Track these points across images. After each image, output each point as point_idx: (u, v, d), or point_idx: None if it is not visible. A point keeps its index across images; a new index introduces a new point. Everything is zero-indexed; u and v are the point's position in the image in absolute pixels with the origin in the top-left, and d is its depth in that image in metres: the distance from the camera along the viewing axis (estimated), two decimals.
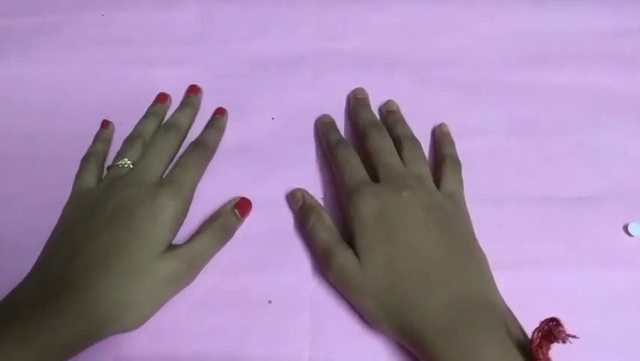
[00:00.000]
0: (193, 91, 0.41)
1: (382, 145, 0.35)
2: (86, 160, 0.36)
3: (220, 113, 0.39)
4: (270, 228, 0.35)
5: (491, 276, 0.31)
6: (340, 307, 0.31)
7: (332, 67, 0.42)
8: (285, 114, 0.40)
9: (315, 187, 0.36)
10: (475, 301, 0.28)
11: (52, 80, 0.42)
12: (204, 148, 0.36)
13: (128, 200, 0.31)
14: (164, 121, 0.39)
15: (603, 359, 0.30)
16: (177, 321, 0.31)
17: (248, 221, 0.35)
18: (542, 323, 0.25)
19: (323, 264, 0.32)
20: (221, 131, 0.39)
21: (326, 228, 0.33)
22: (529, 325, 0.26)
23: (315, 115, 0.40)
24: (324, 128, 0.38)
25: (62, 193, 0.35)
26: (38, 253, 0.32)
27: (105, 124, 0.39)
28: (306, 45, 0.44)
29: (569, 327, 0.25)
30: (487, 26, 0.44)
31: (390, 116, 0.38)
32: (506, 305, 0.29)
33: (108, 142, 0.38)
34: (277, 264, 0.33)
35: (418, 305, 0.28)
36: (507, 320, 0.27)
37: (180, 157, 0.35)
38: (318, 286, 0.32)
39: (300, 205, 0.34)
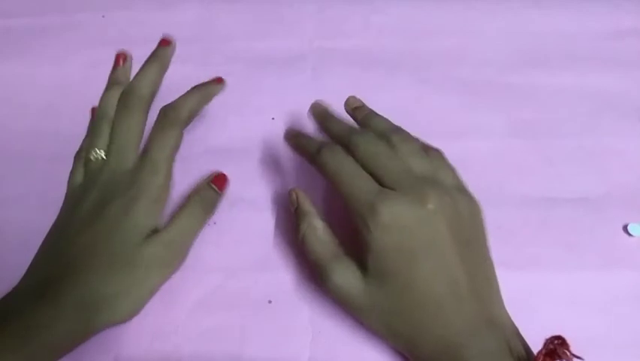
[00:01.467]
0: (163, 43, 0.36)
1: (376, 150, 0.30)
2: (75, 158, 0.35)
3: (218, 82, 0.36)
4: (270, 228, 0.35)
5: (497, 288, 0.29)
6: (340, 308, 0.31)
7: (332, 66, 0.42)
8: (286, 114, 0.40)
9: (315, 188, 0.36)
10: (483, 325, 0.27)
11: (53, 81, 0.42)
12: (175, 113, 0.33)
13: (104, 196, 0.31)
14: None
15: (603, 360, 0.30)
16: (177, 321, 0.31)
17: (248, 222, 0.35)
18: (547, 341, 0.24)
19: (318, 278, 0.30)
20: (206, 98, 0.35)
21: (319, 240, 0.30)
22: (529, 327, 0.26)
23: None
24: (294, 142, 0.33)
25: (62, 193, 0.35)
26: None
27: (94, 113, 0.36)
28: (306, 44, 0.44)
29: (568, 329, 0.24)
30: (487, 27, 0.44)
31: (358, 113, 0.34)
32: (509, 318, 0.28)
33: None
34: (277, 264, 0.33)
35: (428, 332, 0.27)
36: (510, 338, 0.26)
37: (151, 132, 0.33)
38: (318, 286, 0.32)
39: (295, 209, 0.32)
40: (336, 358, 0.30)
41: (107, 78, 0.41)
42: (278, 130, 0.39)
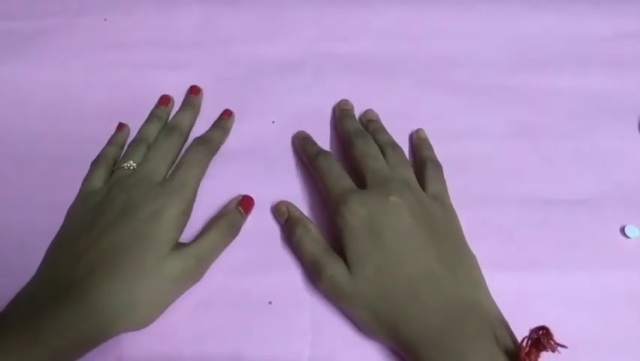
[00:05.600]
0: (194, 92, 0.41)
1: (368, 151, 0.35)
2: (95, 163, 0.36)
3: (227, 115, 0.40)
4: (271, 229, 0.35)
5: (481, 279, 0.31)
6: (335, 303, 0.32)
7: (332, 70, 0.43)
8: (286, 117, 0.40)
9: (314, 190, 0.36)
10: (463, 308, 0.28)
11: (55, 83, 0.42)
12: (207, 145, 0.37)
13: (132, 201, 0.32)
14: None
15: (601, 360, 0.30)
16: (179, 322, 0.31)
17: (249, 222, 0.35)
18: (532, 331, 0.25)
19: (313, 275, 0.32)
20: (226, 131, 0.39)
21: (313, 239, 0.33)
22: (526, 327, 0.26)
23: (316, 118, 0.40)
24: (301, 143, 0.38)
25: (64, 194, 0.35)
26: (41, 252, 0.32)
27: (120, 127, 0.39)
28: (307, 48, 0.44)
29: (566, 329, 0.25)
30: (486, 30, 0.45)
31: (370, 125, 0.39)
32: (497, 309, 0.29)
33: (121, 146, 0.38)
34: (277, 265, 0.33)
35: (407, 314, 0.28)
36: (496, 326, 0.27)
37: (183, 155, 0.35)
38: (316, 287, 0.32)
39: (285, 218, 0.34)
40: (336, 358, 0.30)
41: (109, 81, 0.42)
42: (278, 133, 0.39)
